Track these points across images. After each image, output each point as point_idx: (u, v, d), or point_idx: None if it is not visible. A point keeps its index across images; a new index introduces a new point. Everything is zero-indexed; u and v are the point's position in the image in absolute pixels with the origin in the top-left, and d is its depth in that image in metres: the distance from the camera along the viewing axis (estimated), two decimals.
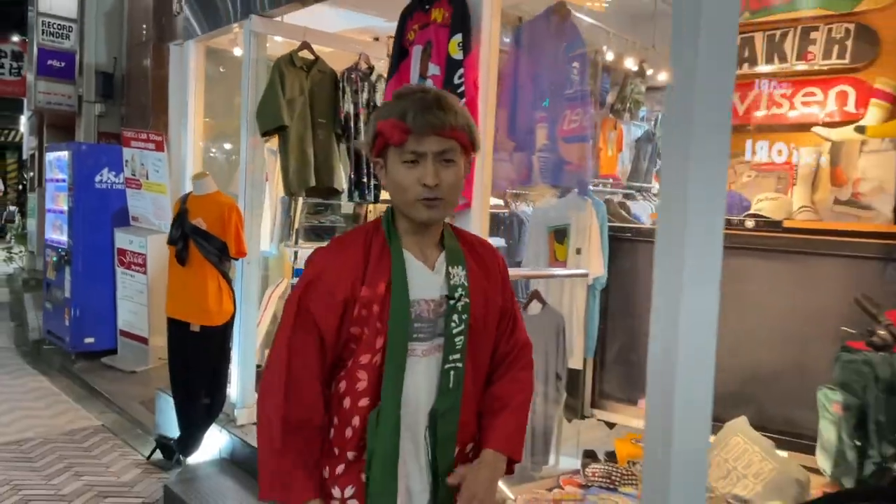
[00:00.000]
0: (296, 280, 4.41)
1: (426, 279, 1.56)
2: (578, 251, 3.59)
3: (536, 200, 4.43)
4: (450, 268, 1.57)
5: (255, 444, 4.03)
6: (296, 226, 4.44)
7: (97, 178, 6.87)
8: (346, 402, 1.54)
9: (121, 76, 8.18)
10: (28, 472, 4.37)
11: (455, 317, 1.55)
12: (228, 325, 4.15)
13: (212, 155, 6.33)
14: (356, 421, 1.52)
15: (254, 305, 4.48)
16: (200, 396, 4.15)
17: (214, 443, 4.36)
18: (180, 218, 4.07)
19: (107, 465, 4.52)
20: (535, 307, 3.36)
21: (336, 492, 1.55)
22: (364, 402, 1.52)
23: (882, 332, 1.89)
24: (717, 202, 1.85)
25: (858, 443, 2.23)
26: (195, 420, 4.20)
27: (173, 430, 4.43)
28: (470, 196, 2.82)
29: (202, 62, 5.05)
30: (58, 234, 7.31)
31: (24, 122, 14.12)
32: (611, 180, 5.83)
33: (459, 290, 1.56)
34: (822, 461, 2.47)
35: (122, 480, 4.26)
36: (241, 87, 4.39)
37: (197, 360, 4.10)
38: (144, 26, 7.65)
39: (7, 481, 4.19)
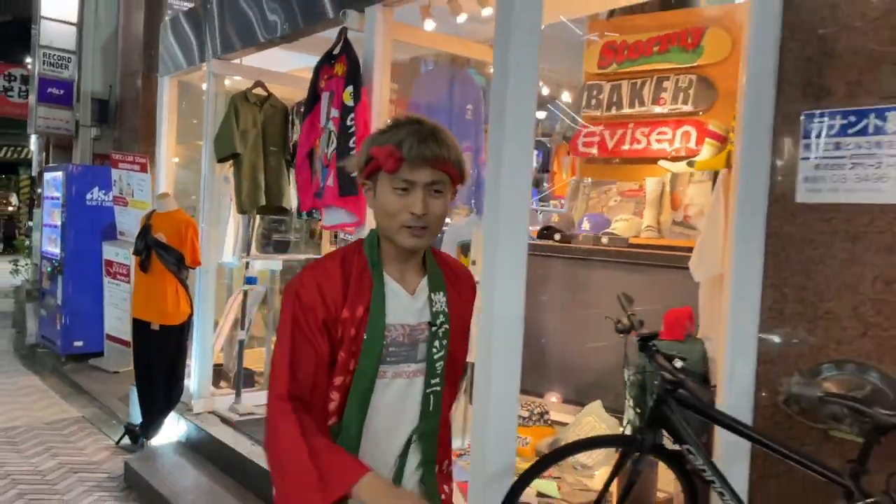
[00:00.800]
0: (246, 287, 5.07)
1: (405, 304, 1.57)
2: (474, 263, 4.21)
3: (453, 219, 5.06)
4: (432, 294, 1.59)
5: (209, 430, 4.69)
6: (249, 239, 5.09)
7: (88, 196, 7.58)
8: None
9: (114, 103, 8.91)
10: (12, 453, 5.00)
11: (437, 343, 1.58)
12: (185, 325, 4.80)
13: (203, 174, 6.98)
14: None
15: (211, 309, 5.13)
16: (160, 387, 4.79)
17: (174, 429, 5.00)
18: (144, 232, 4.74)
19: (81, 448, 5.16)
20: None
21: None
22: (333, 421, 1.54)
23: (625, 320, 2.50)
24: (521, 221, 2.58)
25: (639, 410, 2.84)
26: (156, 408, 4.84)
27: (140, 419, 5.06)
28: (363, 215, 3.47)
29: (174, 96, 5.76)
30: (52, 247, 8.01)
31: (34, 140, 14.90)
32: (561, 200, 6.46)
33: (441, 316, 1.59)
34: (626, 428, 3.08)
35: (92, 460, 4.90)
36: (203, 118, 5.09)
37: (157, 355, 4.75)
38: (136, 57, 8.38)
39: None
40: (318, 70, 3.69)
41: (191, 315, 4.83)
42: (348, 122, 3.35)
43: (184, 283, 4.75)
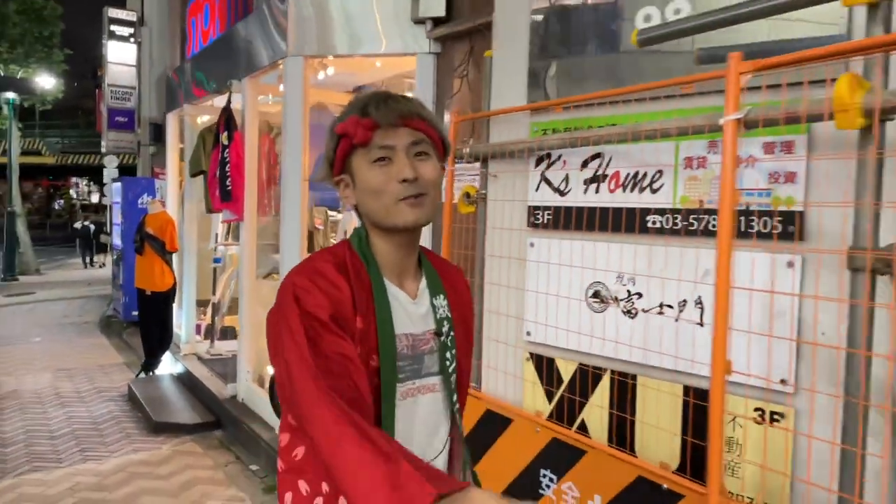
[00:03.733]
0: (214, 265, 7.09)
1: (408, 311, 1.32)
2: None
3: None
4: (433, 299, 1.36)
5: (187, 365, 6.75)
6: (226, 231, 7.13)
7: (140, 201, 9.90)
8: None
9: (167, 125, 11.25)
10: (67, 382, 7.27)
11: (448, 354, 1.36)
12: (170, 292, 6.89)
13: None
14: None
15: (193, 281, 7.20)
16: (154, 335, 6.90)
17: (169, 366, 7.11)
18: (140, 227, 6.84)
19: (112, 379, 7.37)
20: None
21: None
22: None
23: None
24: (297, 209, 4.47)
25: None
26: (153, 350, 6.96)
27: None
28: (240, 213, 5.35)
29: (177, 127, 7.87)
30: (118, 240, 10.41)
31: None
32: None
33: (446, 323, 1.36)
34: None
35: (115, 385, 7.08)
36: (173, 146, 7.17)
37: (151, 313, 6.86)
38: None
39: (52, 385, 7.11)
40: (218, 120, 5.61)
41: (173, 285, 6.90)
42: (225, 155, 5.26)
43: (168, 262, 6.82)
